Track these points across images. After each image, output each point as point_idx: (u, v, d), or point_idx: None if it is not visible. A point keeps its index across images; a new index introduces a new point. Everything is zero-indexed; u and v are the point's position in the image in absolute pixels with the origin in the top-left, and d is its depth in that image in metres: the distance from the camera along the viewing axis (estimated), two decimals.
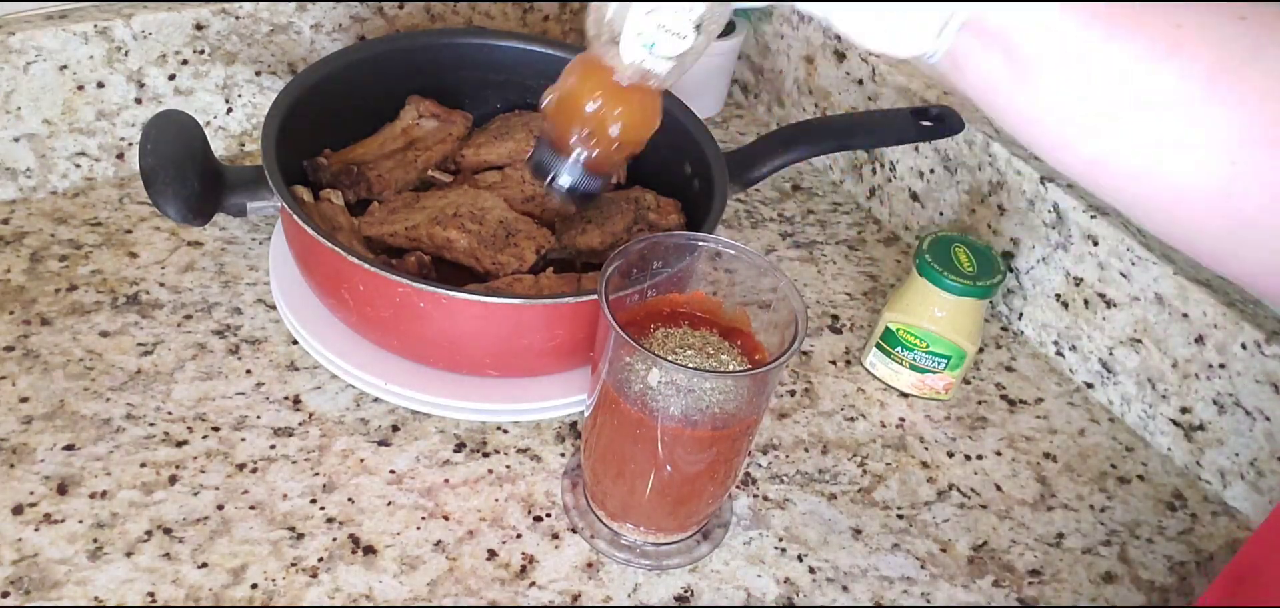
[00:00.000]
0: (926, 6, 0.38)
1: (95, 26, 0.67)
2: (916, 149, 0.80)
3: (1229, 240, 0.38)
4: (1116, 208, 0.42)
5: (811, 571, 0.56)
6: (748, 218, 0.82)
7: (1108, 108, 0.38)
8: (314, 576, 0.50)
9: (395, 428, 0.59)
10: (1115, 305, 0.68)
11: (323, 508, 0.54)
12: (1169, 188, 0.38)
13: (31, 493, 0.51)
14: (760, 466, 0.61)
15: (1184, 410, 0.65)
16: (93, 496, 0.52)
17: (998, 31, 0.38)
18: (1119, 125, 0.38)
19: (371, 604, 0.50)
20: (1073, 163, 0.41)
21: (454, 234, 0.63)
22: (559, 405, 0.60)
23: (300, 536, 0.52)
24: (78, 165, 0.71)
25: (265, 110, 0.65)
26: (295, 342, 0.62)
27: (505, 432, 0.60)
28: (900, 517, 0.60)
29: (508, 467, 0.58)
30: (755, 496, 0.59)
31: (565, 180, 0.50)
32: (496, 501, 0.56)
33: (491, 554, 0.53)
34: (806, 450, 0.63)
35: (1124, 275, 0.66)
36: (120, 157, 0.72)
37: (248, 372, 0.60)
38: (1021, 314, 0.74)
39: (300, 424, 0.58)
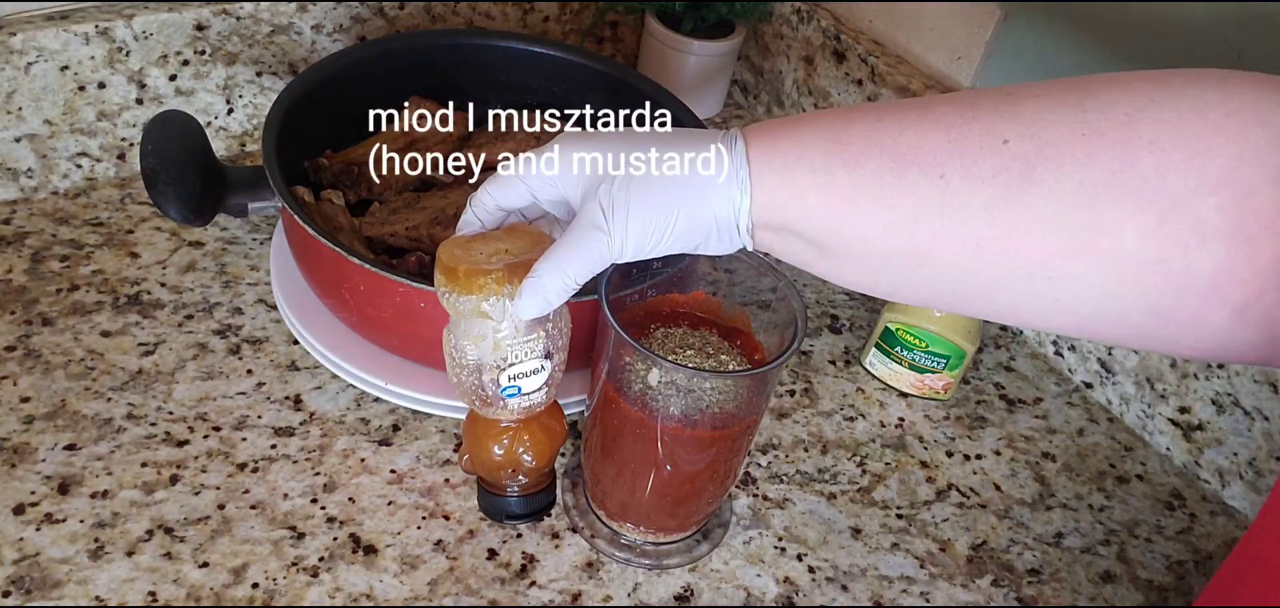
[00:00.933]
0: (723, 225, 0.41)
1: (96, 27, 0.67)
2: None
3: (1081, 329, 0.39)
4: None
5: (811, 570, 0.56)
6: None
7: (908, 265, 0.39)
8: (315, 575, 0.51)
9: (396, 428, 0.59)
10: None
11: (323, 508, 0.54)
12: (1009, 312, 0.39)
13: (33, 493, 0.52)
14: (760, 465, 0.61)
15: (1183, 410, 0.66)
16: (94, 495, 0.52)
17: (780, 227, 0.40)
18: (930, 273, 0.39)
19: (372, 604, 0.50)
20: (904, 300, 0.43)
21: None
22: None
23: (301, 535, 0.52)
24: (79, 166, 0.71)
25: (266, 110, 0.65)
26: (296, 342, 0.63)
27: None
28: (899, 516, 0.60)
29: None
30: (755, 495, 0.59)
31: (516, 510, 0.54)
32: None
33: (492, 554, 0.53)
34: (806, 450, 0.63)
35: None
36: (121, 157, 0.72)
37: (248, 372, 0.60)
38: None
39: (301, 424, 0.58)
